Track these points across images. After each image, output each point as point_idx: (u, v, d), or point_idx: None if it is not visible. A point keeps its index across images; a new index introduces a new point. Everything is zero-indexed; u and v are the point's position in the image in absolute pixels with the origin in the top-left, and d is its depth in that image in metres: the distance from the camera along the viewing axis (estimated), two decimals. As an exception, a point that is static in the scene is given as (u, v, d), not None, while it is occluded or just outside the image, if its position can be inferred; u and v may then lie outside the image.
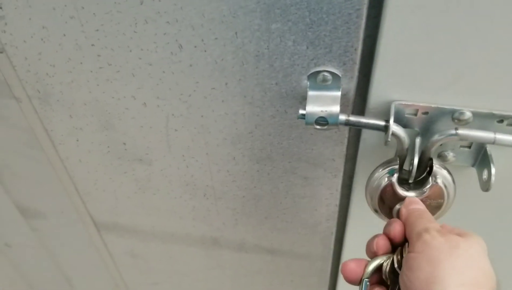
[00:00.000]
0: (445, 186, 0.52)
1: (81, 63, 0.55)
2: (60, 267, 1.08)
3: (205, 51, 0.50)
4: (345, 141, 0.58)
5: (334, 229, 0.74)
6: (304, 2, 0.43)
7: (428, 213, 0.47)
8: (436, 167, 0.51)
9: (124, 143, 0.65)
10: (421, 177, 0.53)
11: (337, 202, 0.68)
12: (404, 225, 0.47)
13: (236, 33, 0.48)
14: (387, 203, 0.54)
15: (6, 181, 0.83)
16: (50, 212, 0.88)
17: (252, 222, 0.75)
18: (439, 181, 0.51)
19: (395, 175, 0.52)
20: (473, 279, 0.38)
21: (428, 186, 0.51)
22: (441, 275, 0.38)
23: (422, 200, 0.52)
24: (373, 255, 0.48)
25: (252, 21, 0.46)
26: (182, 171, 0.68)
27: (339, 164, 0.61)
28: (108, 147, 0.66)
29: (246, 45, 0.48)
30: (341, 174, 0.63)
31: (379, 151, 0.57)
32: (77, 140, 0.67)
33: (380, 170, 0.53)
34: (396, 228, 0.46)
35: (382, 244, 0.47)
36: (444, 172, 0.51)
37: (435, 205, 0.53)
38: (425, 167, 0.52)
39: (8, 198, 0.87)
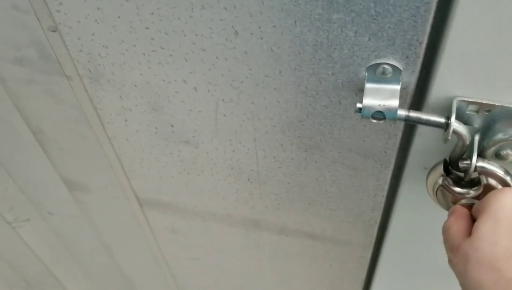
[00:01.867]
0: (501, 185, 0.50)
1: (134, 45, 0.55)
2: (102, 238, 1.11)
3: (262, 38, 0.49)
4: (399, 134, 0.56)
5: (378, 219, 0.72)
6: (370, -7, 0.41)
7: (451, 229, 0.47)
8: (489, 167, 0.49)
9: (172, 125, 0.65)
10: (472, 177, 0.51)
11: (385, 193, 0.66)
12: None
13: (295, 21, 0.46)
14: (446, 200, 0.53)
15: (53, 154, 0.85)
16: (95, 186, 0.89)
17: (295, 207, 0.75)
18: (492, 181, 0.50)
19: (448, 178, 0.51)
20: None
21: (478, 186, 0.50)
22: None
23: (477, 198, 0.51)
24: None
25: (313, 10, 0.44)
26: (228, 155, 0.67)
27: (391, 157, 0.59)
28: (156, 128, 0.66)
29: (305, 34, 0.47)
30: (391, 166, 0.61)
31: (435, 146, 0.55)
32: (126, 120, 0.67)
33: (436, 169, 0.52)
34: None
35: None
36: (499, 172, 0.49)
37: None
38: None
39: (53, 170, 0.89)
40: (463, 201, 0.52)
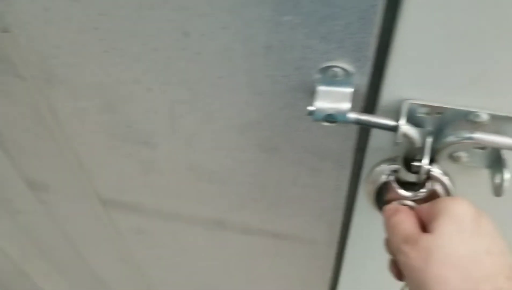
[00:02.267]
0: (443, 194, 0.50)
1: (85, 46, 0.53)
2: (69, 237, 1.09)
3: (213, 40, 0.48)
4: (355, 136, 0.56)
5: (341, 218, 0.72)
6: (318, -5, 0.41)
7: (401, 217, 0.47)
8: (437, 173, 0.50)
9: (129, 126, 0.64)
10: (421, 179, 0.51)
11: (345, 193, 0.66)
12: None
13: (245, 23, 0.45)
14: (384, 199, 0.53)
15: (14, 154, 0.83)
16: (56, 186, 0.88)
17: (258, 207, 0.75)
18: (438, 188, 0.50)
19: (396, 173, 0.52)
20: (461, 275, 0.39)
21: (425, 190, 0.50)
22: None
23: (417, 202, 0.51)
24: None
25: (263, 12, 0.44)
26: (187, 156, 0.66)
27: (348, 158, 0.59)
28: (113, 128, 0.65)
29: (256, 36, 0.46)
30: (349, 167, 0.61)
31: (390, 147, 0.55)
32: (82, 121, 0.65)
33: (382, 165, 0.52)
34: None
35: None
36: (445, 179, 0.50)
37: None
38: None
39: (15, 171, 0.87)
40: (397, 203, 0.52)
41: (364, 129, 0.56)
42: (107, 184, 0.80)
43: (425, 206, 0.47)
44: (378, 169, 0.54)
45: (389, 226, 0.49)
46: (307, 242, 0.81)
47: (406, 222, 0.47)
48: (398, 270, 0.48)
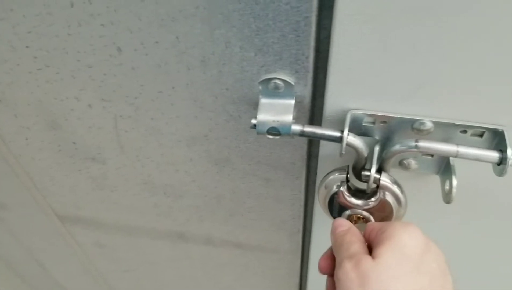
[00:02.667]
0: (394, 203, 0.49)
1: (18, 64, 0.51)
2: (32, 253, 1.06)
3: (147, 54, 0.46)
4: (305, 146, 0.54)
5: (301, 227, 0.71)
6: (248, 8, 0.39)
7: (350, 237, 0.45)
8: (386, 182, 0.48)
9: (74, 143, 0.61)
10: (371, 188, 0.50)
11: (302, 202, 0.65)
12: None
13: (177, 37, 0.43)
14: (336, 208, 0.52)
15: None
16: (12, 204, 0.85)
17: (217, 219, 0.73)
18: (388, 197, 0.49)
19: (345, 185, 0.50)
20: None
21: (374, 198, 0.49)
22: None
23: (369, 211, 0.50)
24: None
25: (194, 25, 0.42)
26: (138, 170, 0.64)
27: (301, 167, 0.58)
28: (59, 146, 0.63)
29: (190, 49, 0.44)
30: (303, 176, 0.60)
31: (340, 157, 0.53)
32: (26, 139, 0.63)
33: (332, 176, 0.51)
34: (321, 263, 0.48)
35: (323, 265, 0.47)
36: (395, 188, 0.49)
37: (382, 218, 0.51)
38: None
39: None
40: (350, 211, 0.51)
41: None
42: (62, 200, 0.78)
43: (377, 225, 0.45)
44: (330, 178, 0.53)
45: (337, 240, 0.47)
46: (271, 251, 0.79)
47: (357, 242, 0.45)
48: (333, 287, 0.46)
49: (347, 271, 0.41)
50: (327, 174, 0.53)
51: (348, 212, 0.52)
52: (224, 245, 0.80)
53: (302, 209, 0.66)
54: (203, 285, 0.99)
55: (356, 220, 0.51)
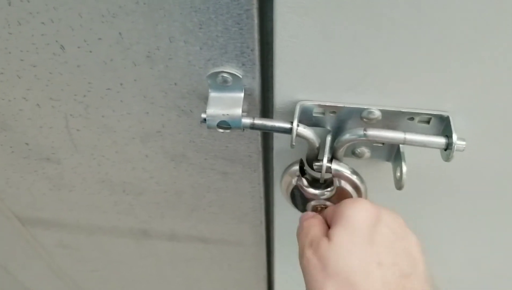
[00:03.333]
0: (351, 189, 0.50)
1: (-41, 64, 0.49)
2: (-6, 257, 1.04)
3: (91, 51, 0.45)
4: (259, 138, 0.54)
5: (263, 219, 0.71)
6: (188, 2, 0.39)
7: (308, 223, 0.46)
8: (339, 169, 0.49)
9: (27, 143, 0.60)
10: (325, 178, 0.50)
11: (261, 194, 0.65)
12: None
13: (120, 33, 0.43)
14: (299, 201, 0.53)
15: None
16: (-31, 207, 0.83)
17: (178, 214, 0.73)
18: (344, 184, 0.49)
19: (301, 179, 0.51)
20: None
21: (330, 188, 0.50)
22: None
23: (330, 200, 0.51)
24: None
25: (136, 21, 0.41)
26: (95, 169, 0.63)
27: (257, 160, 0.58)
28: (11, 147, 0.61)
29: (134, 45, 0.44)
30: (260, 169, 0.60)
31: (295, 147, 0.54)
32: (-23, 141, 0.61)
33: (290, 170, 0.52)
34: None
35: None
36: (349, 174, 0.49)
37: None
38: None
39: None
40: (314, 202, 0.51)
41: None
42: (20, 202, 0.76)
43: (331, 208, 0.46)
44: (287, 173, 0.53)
45: (299, 230, 0.48)
46: (235, 245, 0.79)
47: (316, 226, 0.46)
48: None
49: (308, 258, 0.42)
50: (285, 169, 0.53)
51: (312, 203, 0.53)
52: (188, 240, 0.80)
53: (262, 201, 0.67)
54: (172, 281, 0.98)
55: (320, 210, 0.52)
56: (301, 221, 0.49)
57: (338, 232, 0.41)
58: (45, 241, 0.89)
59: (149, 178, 0.64)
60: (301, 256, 0.44)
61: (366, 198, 0.51)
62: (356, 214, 0.42)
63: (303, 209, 0.55)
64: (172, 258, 0.88)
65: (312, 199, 0.52)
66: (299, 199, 0.54)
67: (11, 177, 0.69)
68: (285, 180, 0.53)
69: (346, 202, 0.45)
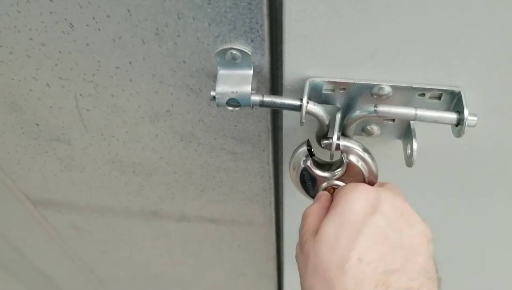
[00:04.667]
0: (362, 163, 0.49)
1: (-31, 44, 0.50)
2: (8, 240, 1.05)
3: (99, 29, 0.45)
4: (268, 116, 0.54)
5: (272, 199, 0.72)
6: (196, -24, 0.38)
7: (308, 219, 0.44)
8: (347, 144, 0.48)
9: (37, 124, 0.60)
10: (335, 155, 0.50)
11: (271, 174, 0.65)
12: None
13: (128, 10, 0.42)
14: (310, 185, 0.52)
15: None
16: (-18, 190, 0.84)
17: (188, 195, 0.73)
18: (353, 159, 0.48)
19: (309, 160, 0.50)
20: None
21: (342, 165, 0.49)
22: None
23: (341, 179, 0.50)
24: None
25: (144, -4, 0.41)
26: (105, 149, 0.64)
27: (266, 139, 0.58)
28: (22, 128, 0.62)
29: (142, 22, 0.44)
30: (269, 148, 0.60)
31: (305, 125, 0.53)
32: (-12, 122, 0.62)
33: (296, 153, 0.51)
34: None
35: None
36: (358, 149, 0.49)
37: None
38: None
39: None
40: (325, 184, 0.51)
41: (278, 110, 0.55)
42: (32, 184, 0.77)
43: (337, 191, 0.45)
44: (295, 156, 0.52)
45: (302, 219, 0.46)
46: (245, 225, 0.80)
47: (312, 216, 0.44)
48: None
49: (297, 254, 0.42)
50: (293, 153, 0.53)
51: (323, 185, 0.52)
52: (199, 221, 0.80)
53: (271, 181, 0.67)
54: (182, 262, 0.99)
55: (332, 192, 0.51)
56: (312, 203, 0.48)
57: (326, 225, 0.40)
58: (57, 223, 0.90)
59: (159, 159, 0.64)
60: (296, 255, 0.44)
61: (377, 176, 0.51)
62: (351, 203, 0.40)
63: (314, 195, 0.54)
64: (183, 239, 0.89)
65: (322, 182, 0.52)
66: (309, 183, 0.53)
67: (22, 159, 0.69)
68: (293, 166, 0.52)
69: (344, 189, 0.43)
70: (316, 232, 0.40)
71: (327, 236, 0.38)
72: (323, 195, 0.48)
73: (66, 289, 1.32)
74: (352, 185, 0.43)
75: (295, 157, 0.51)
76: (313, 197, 0.53)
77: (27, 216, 0.89)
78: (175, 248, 0.93)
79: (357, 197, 0.40)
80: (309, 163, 0.50)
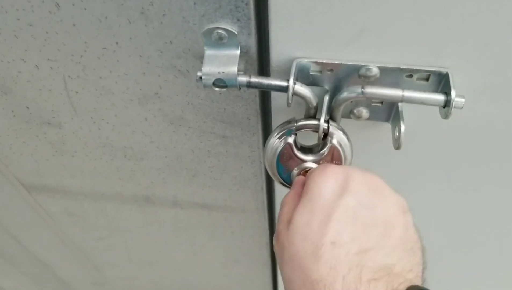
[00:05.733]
0: (341, 148, 0.49)
1: (-44, 24, 0.49)
2: (4, 226, 1.06)
3: (85, 9, 0.45)
4: (257, 99, 0.54)
5: (263, 184, 0.72)
6: (179, -47, 0.38)
7: (283, 209, 0.43)
8: (332, 127, 0.48)
9: (27, 107, 0.60)
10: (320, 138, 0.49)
11: (261, 158, 0.65)
12: None
13: (113, -11, 0.42)
14: (286, 167, 0.51)
15: None
16: (-24, 175, 0.84)
17: (180, 180, 0.73)
18: (334, 141, 0.48)
19: (292, 137, 0.49)
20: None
21: (326, 148, 0.48)
22: None
23: (316, 162, 0.50)
24: None
25: (128, -25, 0.41)
26: (95, 133, 0.64)
27: (255, 122, 0.58)
28: (12, 111, 0.62)
29: (128, 1, 0.43)
30: (260, 132, 0.60)
31: (293, 108, 0.53)
32: (-21, 105, 0.62)
33: (276, 133, 0.50)
34: None
35: None
36: (340, 132, 0.48)
37: None
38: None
39: None
40: (297, 169, 0.50)
41: (267, 92, 0.55)
42: (25, 169, 0.77)
43: (307, 176, 0.43)
44: (273, 136, 0.50)
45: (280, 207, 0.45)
46: (237, 211, 0.80)
47: (287, 205, 0.42)
48: None
49: (274, 247, 0.41)
50: (273, 131, 0.51)
51: (296, 170, 0.51)
52: (191, 207, 0.81)
53: (262, 166, 0.67)
54: (176, 248, 1.00)
55: (304, 174, 0.50)
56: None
57: (297, 214, 0.39)
58: (51, 208, 0.90)
59: (149, 143, 0.64)
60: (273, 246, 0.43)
61: (352, 155, 0.50)
62: (320, 187, 0.39)
63: (284, 178, 0.53)
64: (176, 226, 0.89)
65: (297, 164, 0.50)
66: (284, 164, 0.51)
67: (14, 143, 0.69)
68: (270, 143, 0.50)
69: (313, 173, 0.42)
70: (290, 221, 0.39)
71: (299, 225, 0.38)
72: (298, 180, 0.46)
73: (62, 275, 1.33)
74: (321, 167, 0.42)
75: (274, 137, 0.50)
76: (285, 181, 0.52)
77: (21, 202, 0.89)
78: (169, 234, 0.93)
79: (325, 181, 0.39)
80: (291, 140, 0.49)
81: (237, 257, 0.99)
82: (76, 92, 0.56)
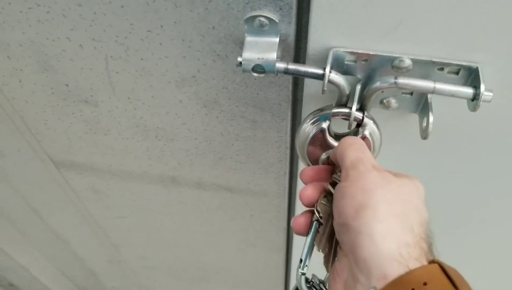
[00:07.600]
0: (372, 138, 0.51)
1: (9, 3, 0.52)
2: (28, 201, 1.09)
3: (135, -8, 0.47)
4: (290, 86, 0.56)
5: (287, 170, 0.74)
6: None
7: (365, 148, 0.45)
8: (367, 119, 0.50)
9: (67, 85, 0.63)
10: (351, 126, 0.52)
11: (288, 144, 0.67)
12: (338, 156, 0.45)
13: (164, -26, 0.45)
14: (315, 152, 0.53)
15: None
16: (7, 150, 0.87)
17: (207, 162, 0.75)
18: (367, 132, 0.51)
19: (327, 122, 0.51)
20: (402, 212, 0.38)
21: (358, 137, 0.51)
22: (372, 203, 0.38)
23: None
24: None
25: (180, -39, 0.43)
26: (130, 113, 0.66)
27: (286, 108, 0.60)
28: (52, 88, 0.64)
29: (177, -14, 0.46)
30: (289, 118, 0.62)
31: (324, 96, 0.55)
32: (20, 81, 0.64)
33: (311, 118, 0.52)
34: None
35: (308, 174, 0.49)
36: (371, 123, 0.51)
37: None
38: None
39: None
40: (325, 154, 0.52)
41: (300, 79, 0.57)
42: (57, 145, 0.80)
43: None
44: (307, 121, 0.54)
45: (352, 141, 0.46)
46: (259, 195, 0.82)
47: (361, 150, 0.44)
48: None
49: (369, 169, 0.41)
50: (307, 116, 0.54)
51: (324, 156, 0.54)
52: (214, 189, 0.83)
53: (288, 151, 0.69)
54: (195, 230, 1.02)
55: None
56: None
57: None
58: (77, 185, 0.93)
59: (181, 124, 0.67)
60: (353, 167, 0.42)
61: (379, 149, 0.53)
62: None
63: (311, 160, 0.55)
64: (198, 207, 0.92)
65: (329, 148, 0.53)
66: (315, 151, 0.54)
67: (50, 119, 0.72)
68: (303, 128, 0.53)
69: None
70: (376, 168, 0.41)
71: (402, 189, 0.40)
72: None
73: (79, 252, 1.37)
74: (412, 179, 0.43)
75: (307, 122, 0.52)
76: (312, 162, 0.55)
77: (48, 178, 0.92)
78: (190, 216, 0.96)
79: (414, 186, 0.41)
80: (325, 125, 0.52)
81: (253, 241, 1.02)
82: (117, 72, 0.59)
